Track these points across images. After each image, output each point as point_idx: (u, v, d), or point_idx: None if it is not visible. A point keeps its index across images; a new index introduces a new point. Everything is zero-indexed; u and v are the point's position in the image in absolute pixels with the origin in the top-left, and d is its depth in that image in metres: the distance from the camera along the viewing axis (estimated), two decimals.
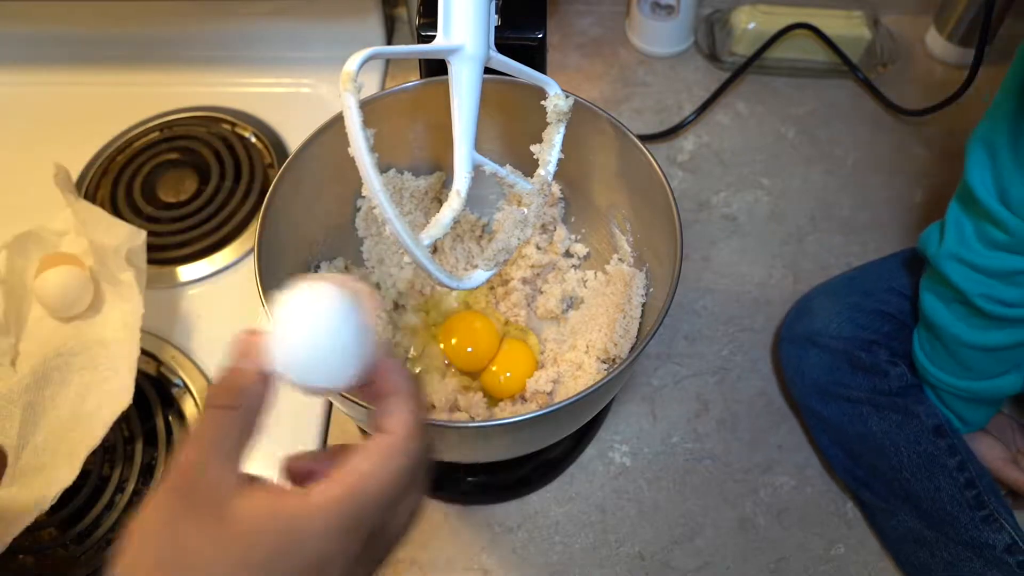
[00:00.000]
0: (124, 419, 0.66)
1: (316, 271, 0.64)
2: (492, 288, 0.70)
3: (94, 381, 0.67)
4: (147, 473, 0.65)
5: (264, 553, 0.28)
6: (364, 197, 0.67)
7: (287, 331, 0.31)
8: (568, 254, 0.70)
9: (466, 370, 0.66)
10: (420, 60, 0.64)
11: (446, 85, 0.47)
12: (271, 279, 0.53)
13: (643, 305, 0.62)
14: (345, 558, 0.30)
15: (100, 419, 0.62)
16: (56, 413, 0.65)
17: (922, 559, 0.60)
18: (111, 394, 0.64)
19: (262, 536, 0.28)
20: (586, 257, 0.70)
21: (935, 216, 0.82)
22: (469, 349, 0.65)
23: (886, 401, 0.62)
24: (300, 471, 0.34)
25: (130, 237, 0.69)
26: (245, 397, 0.31)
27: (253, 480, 0.30)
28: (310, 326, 0.30)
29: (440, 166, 0.68)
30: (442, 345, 0.66)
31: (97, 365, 0.68)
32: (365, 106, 0.41)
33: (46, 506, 0.58)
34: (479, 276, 0.52)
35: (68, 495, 0.63)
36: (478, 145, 0.49)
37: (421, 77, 0.63)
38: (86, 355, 0.68)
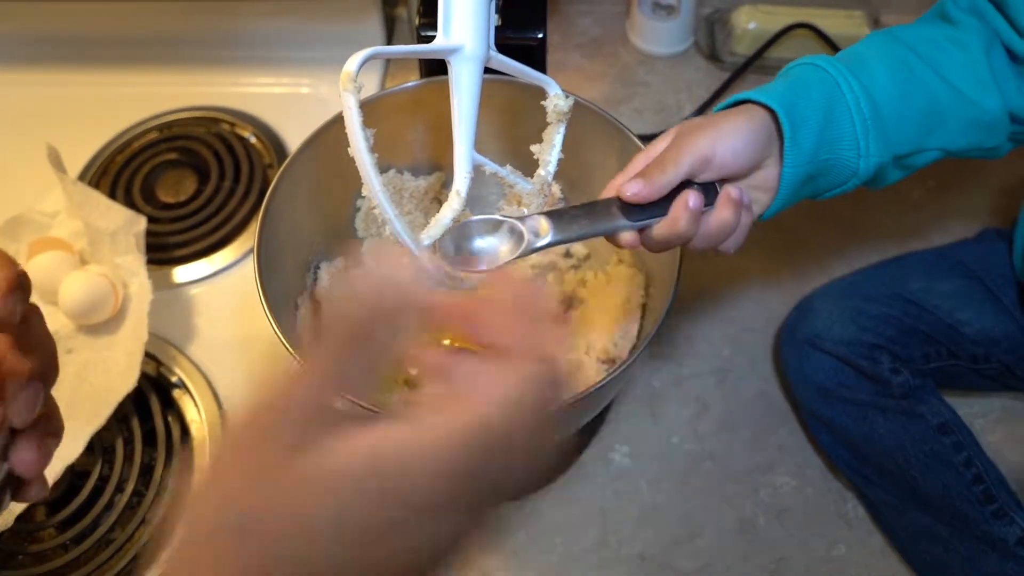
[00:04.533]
0: (124, 419, 0.67)
1: (316, 271, 0.64)
2: None
3: (92, 363, 0.68)
4: (147, 473, 0.65)
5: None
6: (364, 197, 0.67)
7: None
8: (568, 254, 0.70)
9: None
10: (420, 60, 0.64)
11: (446, 85, 0.47)
12: (271, 279, 0.53)
13: (643, 306, 0.62)
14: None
15: (105, 400, 0.63)
16: (56, 394, 0.66)
17: (938, 555, 0.59)
18: (115, 376, 0.65)
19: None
20: (586, 257, 0.70)
21: (935, 216, 0.82)
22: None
23: (891, 404, 0.62)
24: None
25: (129, 222, 0.70)
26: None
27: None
28: None
29: (440, 166, 0.68)
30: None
31: (95, 347, 0.69)
32: (365, 106, 0.41)
33: (50, 482, 0.59)
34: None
35: (68, 495, 0.63)
36: (478, 145, 0.49)
37: (421, 77, 0.63)
38: (82, 338, 0.69)
